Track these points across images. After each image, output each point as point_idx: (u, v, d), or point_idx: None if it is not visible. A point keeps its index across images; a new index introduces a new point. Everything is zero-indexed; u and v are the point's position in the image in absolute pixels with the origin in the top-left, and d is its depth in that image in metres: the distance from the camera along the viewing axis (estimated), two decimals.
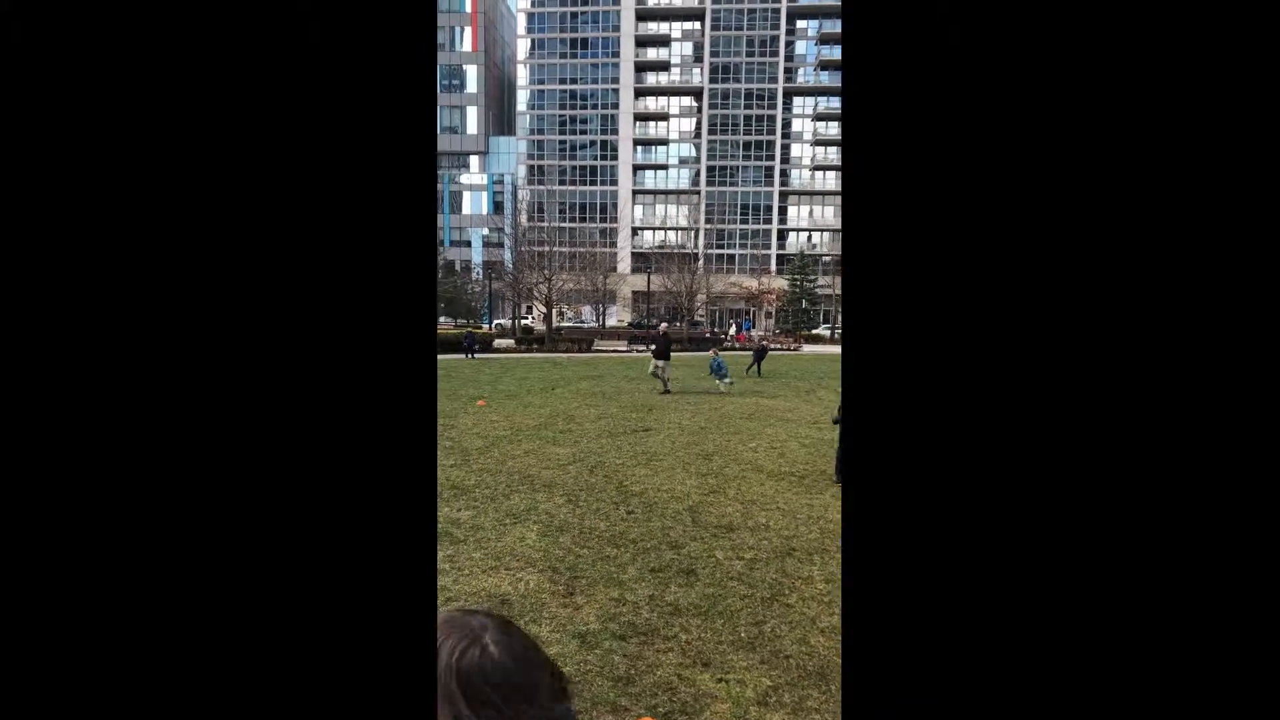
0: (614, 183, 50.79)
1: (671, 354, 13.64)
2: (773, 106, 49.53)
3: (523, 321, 35.22)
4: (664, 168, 51.85)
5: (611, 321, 42.65)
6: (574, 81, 50.80)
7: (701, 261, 43.63)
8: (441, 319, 38.58)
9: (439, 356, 21.04)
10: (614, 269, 41.69)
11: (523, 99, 51.17)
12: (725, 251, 50.26)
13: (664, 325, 15.67)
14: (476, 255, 49.07)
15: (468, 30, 49.70)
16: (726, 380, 13.04)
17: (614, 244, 47.10)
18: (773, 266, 49.00)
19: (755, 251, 50.18)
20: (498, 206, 49.40)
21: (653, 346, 13.77)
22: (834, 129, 49.06)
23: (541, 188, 49.05)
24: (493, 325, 36.29)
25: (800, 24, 49.78)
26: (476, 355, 21.17)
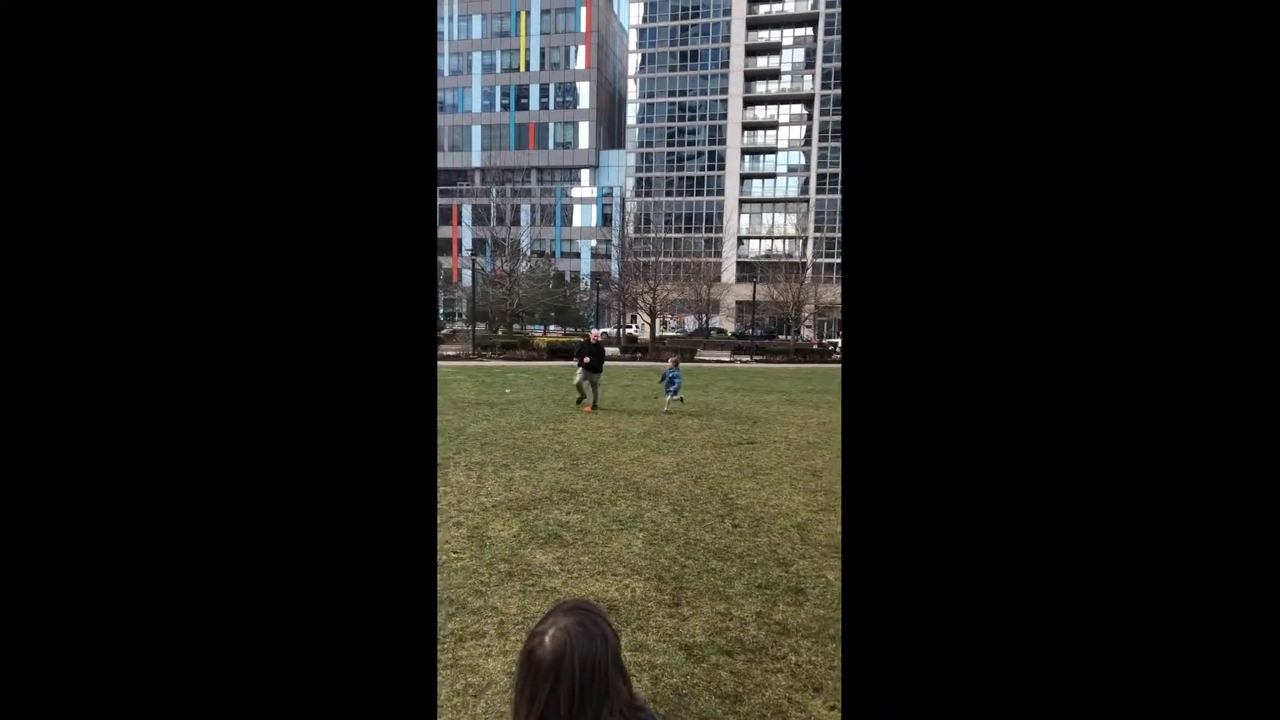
0: (720, 193, 50.66)
1: (685, 368, 11.11)
2: None
3: (627, 330, 35.78)
4: (771, 176, 51.08)
5: (711, 332, 42.41)
6: (683, 94, 51.25)
7: (810, 271, 42.48)
8: (552, 327, 39.96)
9: (554, 364, 21.78)
10: (718, 278, 41.45)
11: (632, 113, 52.23)
12: (835, 260, 48.66)
13: (597, 332, 13.19)
14: (585, 266, 50.50)
15: (581, 48, 51.47)
16: (673, 396, 11.08)
17: (719, 253, 46.88)
18: None
19: None
20: (606, 218, 50.63)
21: (585, 359, 11.17)
22: None
23: (648, 199, 49.78)
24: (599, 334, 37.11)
25: None
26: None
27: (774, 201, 51.19)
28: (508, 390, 13.31)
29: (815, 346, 30.50)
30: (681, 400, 11.42)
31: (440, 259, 50.18)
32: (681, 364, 12.15)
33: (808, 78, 49.93)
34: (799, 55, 50.44)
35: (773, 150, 51.20)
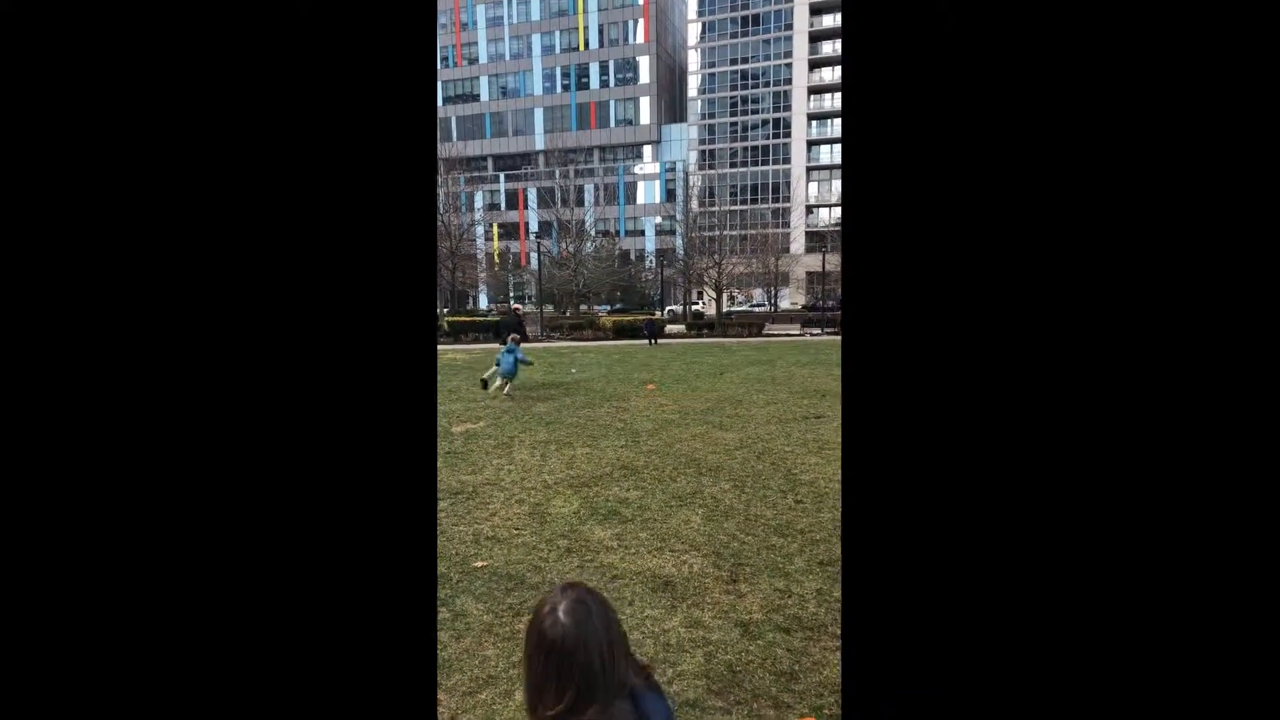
0: (787, 161, 49.19)
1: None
2: None
3: (693, 307, 35.54)
4: (840, 141, 49.07)
5: (784, 304, 41.55)
6: (745, 61, 49.83)
7: None
8: (618, 306, 40.20)
9: (620, 343, 21.94)
10: (786, 250, 40.41)
11: (693, 84, 51.26)
12: None
13: (517, 305, 12.14)
14: (650, 244, 50.33)
15: (640, 23, 50.77)
16: (493, 373, 9.35)
17: (787, 224, 45.66)
18: None
19: None
20: (669, 194, 50.17)
21: (513, 336, 9.97)
22: None
23: (712, 172, 48.96)
24: (665, 311, 37.07)
25: None
26: (658, 342, 21.66)
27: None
28: (574, 370, 13.50)
29: None
30: (495, 388, 9.15)
31: (509, 243, 51.21)
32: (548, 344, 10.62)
33: None
34: None
35: (840, 114, 49.10)
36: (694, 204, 41.18)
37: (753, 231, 37.99)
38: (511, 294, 36.62)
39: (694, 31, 51.29)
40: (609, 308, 36.48)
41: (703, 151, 50.92)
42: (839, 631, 3.05)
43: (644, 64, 51.07)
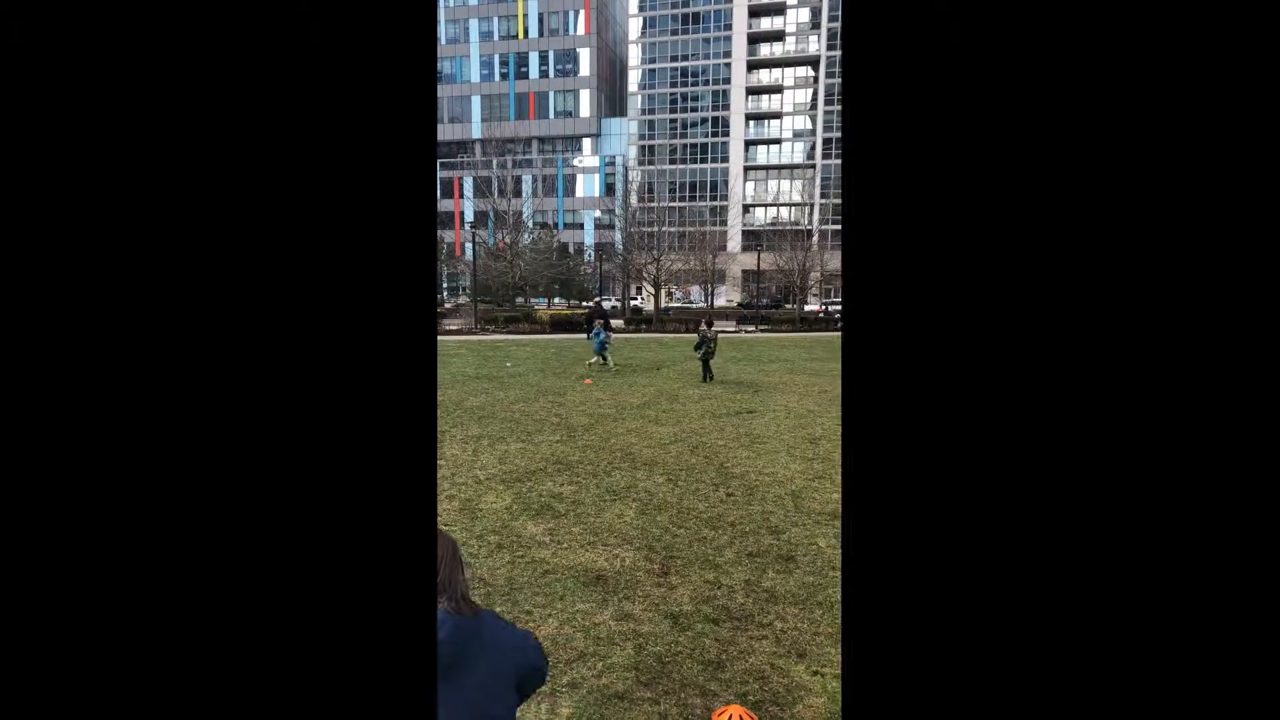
0: (725, 160, 49.91)
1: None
2: None
3: (632, 302, 35.62)
4: (777, 142, 50.21)
5: (720, 301, 42.24)
6: (685, 58, 50.18)
7: (816, 238, 42.05)
8: (556, 300, 39.87)
9: (556, 336, 21.73)
10: (723, 248, 41.07)
11: (634, 79, 51.25)
12: (841, 227, 47.97)
13: (602, 298, 15.40)
14: (588, 237, 50.10)
15: (581, 14, 50.33)
16: (596, 361, 13.01)
17: (724, 222, 46.39)
18: None
19: None
20: (609, 188, 50.05)
21: (596, 323, 14.14)
22: None
23: (652, 168, 49.14)
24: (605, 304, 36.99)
25: None
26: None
27: (779, 168, 50.43)
28: (509, 364, 13.30)
29: (821, 314, 30.22)
30: (594, 363, 13.00)
31: (442, 233, 49.88)
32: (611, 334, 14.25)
33: (813, 38, 48.71)
34: (804, 15, 49.12)
35: (778, 115, 50.23)
36: (633, 199, 41.27)
37: (691, 229, 38.39)
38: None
39: (635, 26, 51.26)
40: (547, 301, 36.12)
41: (642, 147, 51.03)
42: (765, 620, 3.14)
43: (584, 56, 50.67)
